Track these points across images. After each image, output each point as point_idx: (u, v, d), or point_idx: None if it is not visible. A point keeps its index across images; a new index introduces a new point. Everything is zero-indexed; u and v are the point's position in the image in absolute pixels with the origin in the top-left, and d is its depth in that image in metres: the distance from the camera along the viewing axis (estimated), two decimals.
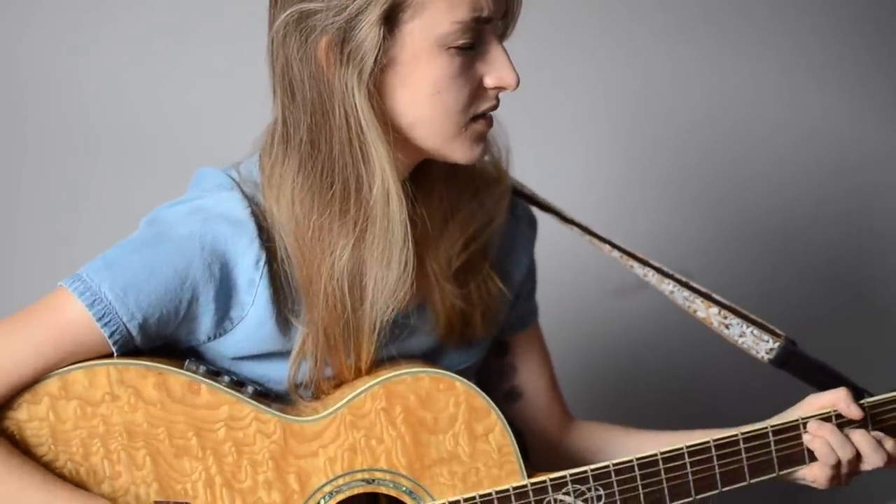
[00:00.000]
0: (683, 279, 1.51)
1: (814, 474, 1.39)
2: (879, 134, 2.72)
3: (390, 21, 1.22)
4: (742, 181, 2.61)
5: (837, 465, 1.37)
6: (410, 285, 1.30)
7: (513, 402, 1.58)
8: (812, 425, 1.38)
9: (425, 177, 1.39)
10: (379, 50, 1.21)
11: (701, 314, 1.50)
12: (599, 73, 2.46)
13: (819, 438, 1.37)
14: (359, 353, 1.34)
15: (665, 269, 1.52)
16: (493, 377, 1.58)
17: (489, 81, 1.29)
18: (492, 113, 1.33)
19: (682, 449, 1.36)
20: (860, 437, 1.38)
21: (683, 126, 2.55)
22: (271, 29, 1.28)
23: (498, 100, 1.31)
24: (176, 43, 2.10)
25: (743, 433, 1.37)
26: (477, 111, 1.29)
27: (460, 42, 1.24)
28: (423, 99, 1.26)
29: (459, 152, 1.31)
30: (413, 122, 1.27)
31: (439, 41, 1.23)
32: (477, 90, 1.28)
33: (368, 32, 1.21)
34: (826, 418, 1.39)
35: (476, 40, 1.26)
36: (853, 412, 1.38)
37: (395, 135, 1.28)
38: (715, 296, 1.50)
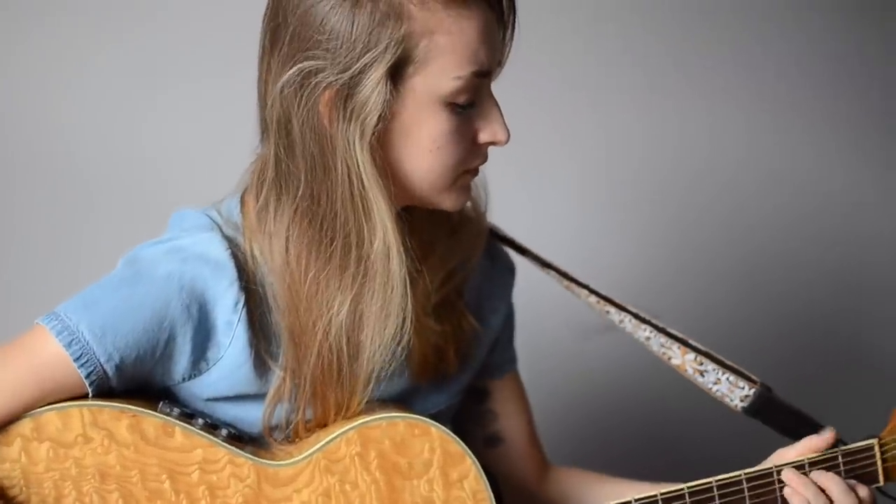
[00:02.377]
0: (660, 325, 1.51)
1: None
2: (855, 179, 2.75)
3: (395, 77, 1.21)
4: (719, 227, 2.62)
5: None
6: (409, 339, 1.30)
7: (493, 448, 1.58)
8: (787, 474, 1.39)
9: (408, 215, 1.40)
10: (384, 106, 1.21)
11: (676, 361, 1.50)
12: (578, 120, 2.48)
13: (797, 495, 1.38)
14: (348, 405, 1.34)
15: (641, 314, 1.52)
16: (473, 424, 1.58)
17: (483, 137, 1.29)
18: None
19: (655, 496, 1.36)
20: (831, 482, 1.39)
21: (661, 173, 2.56)
22: (265, 76, 1.28)
23: (487, 154, 1.33)
24: (157, 83, 2.11)
25: (717, 480, 1.38)
26: (469, 166, 1.30)
27: (462, 99, 1.24)
28: (423, 153, 1.26)
29: (448, 202, 1.32)
30: (409, 175, 1.27)
31: (442, 97, 1.23)
32: (471, 146, 1.29)
33: (374, 89, 1.20)
34: (799, 466, 1.39)
35: (475, 98, 1.27)
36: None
37: (391, 184, 1.28)
38: (691, 341, 1.51)
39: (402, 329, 1.29)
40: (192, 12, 2.12)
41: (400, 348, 1.30)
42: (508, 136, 1.29)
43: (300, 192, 1.27)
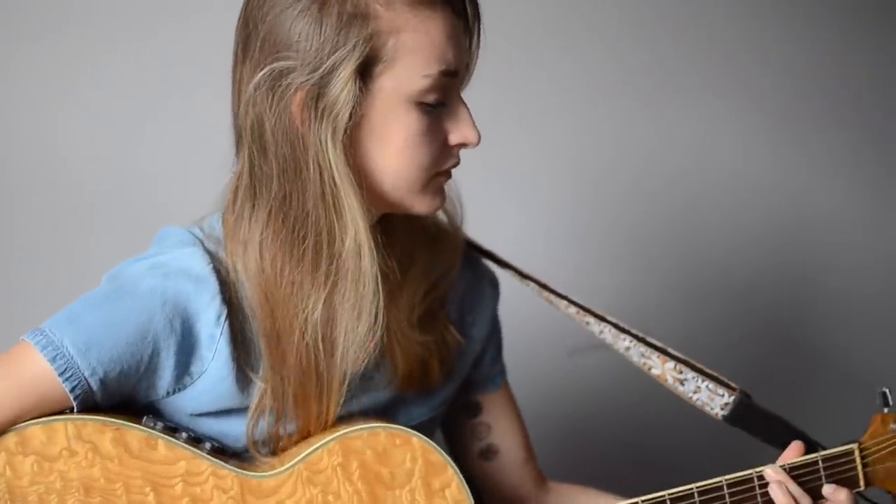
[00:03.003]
0: (640, 334, 1.52)
1: None
2: (835, 191, 2.76)
3: (364, 75, 1.24)
4: (698, 237, 2.63)
5: None
6: (381, 336, 1.32)
7: (489, 461, 1.59)
8: (769, 471, 1.40)
9: (387, 228, 1.41)
10: (354, 104, 1.23)
11: (656, 371, 1.51)
12: (559, 129, 2.49)
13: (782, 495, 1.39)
14: (328, 409, 1.35)
15: (621, 324, 1.53)
16: (467, 438, 1.60)
17: (453, 139, 1.31)
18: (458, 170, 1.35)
19: (637, 503, 1.37)
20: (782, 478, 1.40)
21: (640, 184, 2.57)
22: (238, 85, 1.30)
23: (459, 157, 1.35)
24: (143, 102, 2.12)
25: (698, 487, 1.39)
26: (441, 168, 1.32)
27: (431, 98, 1.27)
28: (394, 153, 1.28)
29: (421, 204, 1.33)
30: (382, 176, 1.29)
31: (411, 96, 1.26)
32: (442, 147, 1.31)
33: (344, 87, 1.22)
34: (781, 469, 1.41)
35: (445, 98, 1.29)
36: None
37: (364, 186, 1.30)
38: (671, 350, 1.52)
39: (374, 326, 1.30)
40: (189, 24, 2.14)
41: (373, 346, 1.31)
42: (479, 137, 1.32)
43: (273, 194, 1.29)
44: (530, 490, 1.62)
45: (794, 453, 1.42)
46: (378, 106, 1.26)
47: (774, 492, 1.39)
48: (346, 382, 1.34)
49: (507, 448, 1.60)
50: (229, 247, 1.33)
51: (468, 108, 1.32)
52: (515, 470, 1.61)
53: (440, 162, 1.32)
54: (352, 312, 1.29)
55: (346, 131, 1.24)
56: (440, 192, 1.35)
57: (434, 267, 1.45)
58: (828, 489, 1.40)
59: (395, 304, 1.41)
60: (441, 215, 1.48)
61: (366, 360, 1.33)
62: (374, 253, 1.28)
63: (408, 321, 1.41)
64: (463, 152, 1.37)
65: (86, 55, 2.11)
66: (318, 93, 1.23)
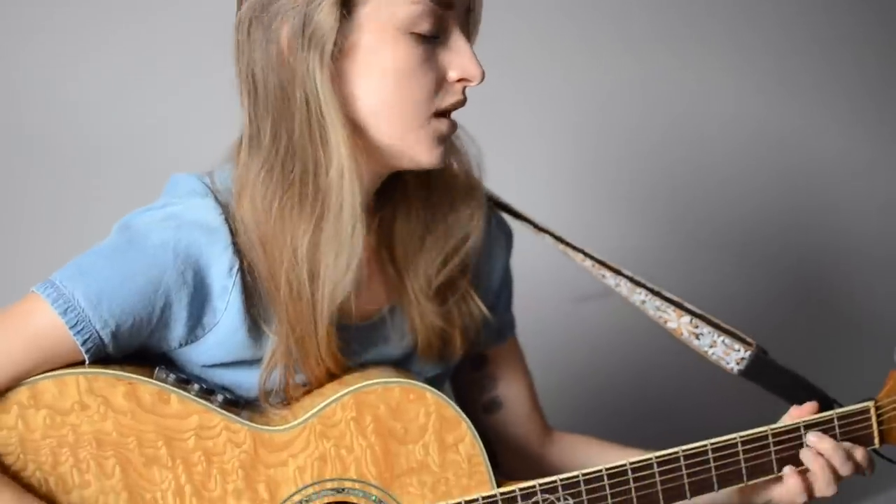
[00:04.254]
0: (655, 288, 1.51)
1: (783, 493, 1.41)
2: (839, 137, 2.74)
3: (348, 2, 1.23)
4: (713, 191, 2.63)
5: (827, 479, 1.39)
6: (362, 274, 1.31)
7: (493, 414, 1.59)
8: (812, 437, 1.39)
9: (401, 195, 1.39)
10: (337, 31, 1.22)
11: (672, 325, 1.50)
12: (572, 83, 2.47)
13: (818, 459, 1.39)
14: (322, 350, 1.33)
15: (637, 278, 1.52)
16: (473, 389, 1.59)
17: (453, 74, 1.29)
18: (462, 124, 1.33)
19: (650, 459, 1.36)
20: (829, 447, 1.39)
21: (652, 137, 2.56)
22: (235, 30, 1.30)
23: (465, 95, 1.31)
24: (153, 50, 2.09)
25: (712, 443, 1.38)
26: (442, 104, 1.30)
27: (422, 28, 1.25)
28: (385, 85, 1.26)
29: (419, 150, 1.30)
30: (374, 110, 1.27)
31: (400, 25, 1.24)
32: (441, 82, 1.29)
33: (328, 15, 1.22)
34: (794, 429, 1.40)
35: (439, 29, 1.27)
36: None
37: (356, 129, 1.28)
38: (686, 304, 1.50)
39: (353, 260, 1.28)
40: None
41: (350, 280, 1.29)
42: (482, 72, 1.29)
43: (266, 135, 1.28)
44: (535, 442, 1.62)
45: (806, 412, 1.41)
46: (366, 35, 1.24)
47: (806, 457, 1.39)
48: (331, 322, 1.32)
49: (511, 401, 1.60)
50: (237, 197, 1.32)
51: (469, 44, 1.30)
52: (519, 422, 1.60)
53: (437, 98, 1.29)
54: (332, 245, 1.28)
55: (332, 59, 1.23)
56: (441, 142, 1.31)
57: (452, 233, 1.44)
58: (812, 438, 1.40)
59: (413, 273, 1.40)
60: (461, 176, 1.45)
61: (343, 297, 1.31)
62: (356, 186, 1.26)
63: (424, 293, 1.40)
64: (468, 109, 1.34)
65: (96, 3, 2.07)
66: (303, 21, 1.23)
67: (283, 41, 1.24)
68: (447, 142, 1.33)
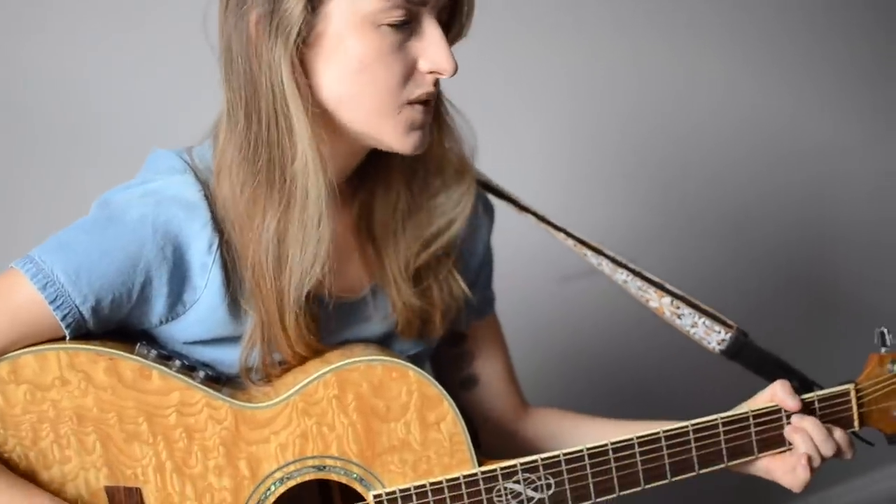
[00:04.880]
0: (637, 269, 1.52)
1: (768, 466, 1.41)
2: (829, 123, 2.75)
3: None
4: (703, 176, 2.63)
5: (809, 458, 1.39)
6: (329, 265, 1.30)
7: (469, 390, 1.59)
8: (794, 417, 1.40)
9: (383, 175, 1.39)
10: (303, 21, 1.22)
11: (653, 304, 1.50)
12: (561, 63, 2.47)
13: (800, 431, 1.39)
14: (289, 333, 1.33)
15: (619, 258, 1.52)
16: (450, 365, 1.59)
17: (423, 66, 1.28)
18: (457, 106, 1.32)
19: (632, 440, 1.37)
20: (811, 426, 1.39)
21: (644, 121, 2.56)
22: (220, 12, 1.29)
23: (436, 87, 1.31)
24: (135, 26, 2.08)
25: (693, 424, 1.38)
26: (411, 96, 1.28)
27: (391, 20, 1.24)
28: (350, 75, 1.25)
29: (391, 137, 1.30)
30: (340, 101, 1.27)
31: (368, 17, 1.23)
32: (410, 72, 1.27)
33: (296, 4, 1.21)
34: (776, 410, 1.40)
35: (411, 18, 1.26)
36: (789, 404, 1.39)
37: (324, 114, 1.28)
38: (668, 286, 1.51)
39: (320, 250, 1.28)
40: None
41: (318, 268, 1.29)
42: (454, 65, 1.28)
43: (240, 116, 1.27)
44: (511, 418, 1.62)
45: (776, 392, 1.41)
46: (332, 26, 1.24)
47: (793, 436, 1.39)
48: (299, 309, 1.31)
49: (488, 377, 1.60)
50: (217, 175, 1.31)
51: (444, 37, 1.28)
52: (496, 399, 1.60)
53: (406, 89, 1.28)
54: (297, 235, 1.28)
55: (296, 48, 1.23)
56: (414, 129, 1.30)
57: (436, 218, 1.43)
58: (795, 417, 1.40)
59: (393, 253, 1.39)
60: (453, 158, 1.44)
61: (310, 286, 1.30)
62: (321, 176, 1.26)
63: (401, 274, 1.40)
64: (461, 85, 1.33)
65: None
66: (271, 9, 1.22)
67: (251, 27, 1.24)
68: (424, 129, 1.32)
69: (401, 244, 1.40)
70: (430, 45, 1.27)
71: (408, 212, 1.41)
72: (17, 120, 2.02)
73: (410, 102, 1.28)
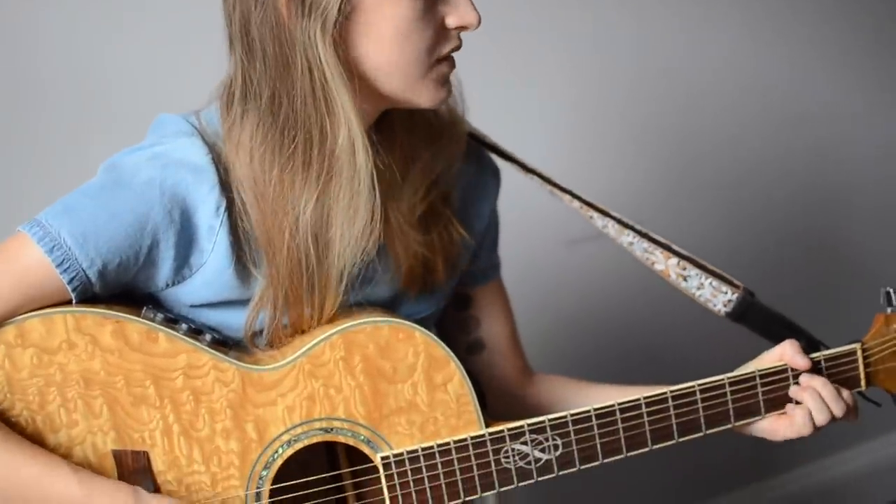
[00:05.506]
0: (643, 230, 1.51)
1: (772, 426, 1.41)
2: (834, 86, 2.75)
3: None
4: (701, 136, 2.63)
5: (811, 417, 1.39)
6: (378, 235, 1.30)
7: (475, 355, 1.59)
8: (803, 377, 1.40)
9: (386, 126, 1.39)
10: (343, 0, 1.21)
11: (659, 266, 1.50)
12: (565, 27, 2.46)
13: (808, 389, 1.39)
14: (322, 306, 1.34)
15: (625, 219, 1.52)
16: (455, 329, 1.59)
17: (451, 21, 1.29)
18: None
19: (639, 400, 1.37)
20: (820, 386, 1.40)
21: (644, 82, 2.55)
22: None
23: (460, 39, 1.32)
24: None
25: (700, 385, 1.39)
26: (441, 53, 1.30)
27: None
28: (388, 43, 1.25)
29: (425, 95, 1.31)
30: (378, 68, 1.27)
31: None
32: (440, 32, 1.29)
33: None
34: (783, 370, 1.40)
35: None
36: (798, 362, 1.40)
37: (360, 83, 1.28)
38: (674, 247, 1.51)
39: (371, 224, 1.29)
40: None
41: (371, 244, 1.30)
42: (478, 18, 1.29)
43: (262, 96, 1.27)
44: (516, 383, 1.62)
45: (784, 351, 1.42)
46: None
47: (801, 394, 1.40)
48: (344, 283, 1.32)
49: (494, 342, 1.60)
50: (227, 147, 1.31)
51: None
52: (501, 363, 1.61)
53: (437, 47, 1.29)
54: (347, 211, 1.28)
55: (336, 26, 1.22)
56: (444, 83, 1.32)
57: (436, 162, 1.43)
58: (804, 376, 1.41)
59: (396, 204, 1.39)
60: (443, 107, 1.45)
61: (364, 260, 1.32)
62: (369, 149, 1.26)
63: (408, 221, 1.40)
64: (469, 45, 1.34)
65: None
66: None
67: (281, 6, 1.23)
68: (449, 80, 1.34)
69: (405, 192, 1.40)
70: (456, 3, 1.28)
71: (409, 159, 1.41)
72: (23, 85, 2.02)
73: (440, 59, 1.30)
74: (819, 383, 1.39)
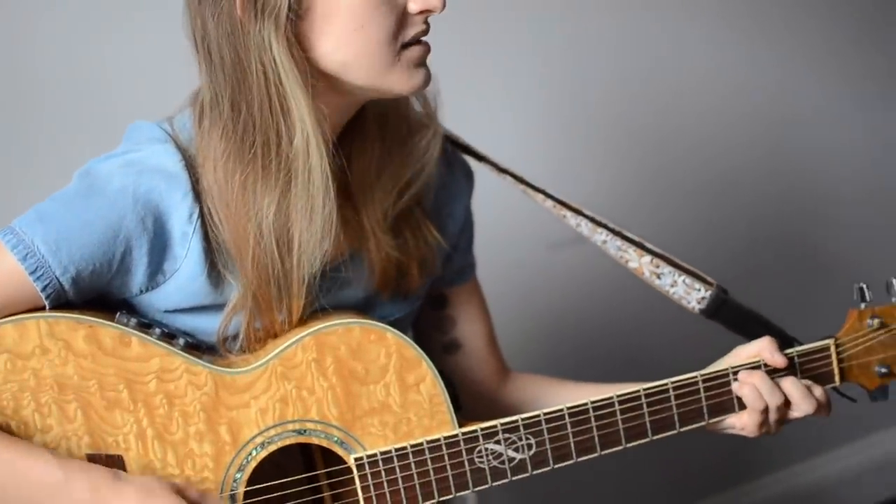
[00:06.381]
0: (616, 228, 1.52)
1: (743, 422, 1.41)
2: (811, 87, 2.75)
3: None
4: (676, 134, 2.63)
5: (765, 411, 1.39)
6: (337, 235, 1.31)
7: (452, 355, 1.59)
8: (742, 373, 1.40)
9: (358, 128, 1.39)
10: None
11: (633, 264, 1.51)
12: (542, 27, 2.45)
13: (747, 385, 1.39)
14: (291, 309, 1.34)
15: (598, 218, 1.52)
16: (432, 330, 1.59)
17: (413, 6, 1.28)
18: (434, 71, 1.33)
19: (612, 398, 1.37)
20: (790, 385, 1.40)
21: (623, 83, 2.55)
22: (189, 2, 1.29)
23: (427, 24, 1.31)
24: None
25: (673, 382, 1.39)
26: (406, 38, 1.29)
27: None
28: (349, 36, 1.25)
29: (398, 83, 1.30)
30: (344, 63, 1.27)
31: None
32: (402, 18, 1.28)
33: None
34: (755, 367, 1.41)
35: None
36: (777, 360, 1.40)
37: (327, 82, 1.28)
38: (647, 244, 1.51)
39: (329, 224, 1.29)
40: None
41: (330, 245, 1.30)
42: (442, 0, 1.28)
43: (225, 104, 1.27)
44: (493, 382, 1.62)
45: (763, 348, 1.42)
46: None
47: (744, 392, 1.40)
48: (306, 284, 1.33)
49: (469, 342, 1.60)
50: (202, 162, 1.32)
51: None
52: (478, 363, 1.61)
53: (401, 32, 1.28)
54: (304, 212, 1.28)
55: (289, 24, 1.22)
56: (419, 68, 1.31)
57: (407, 165, 1.43)
58: (804, 384, 1.41)
59: (368, 207, 1.39)
60: (416, 106, 1.45)
61: (329, 261, 1.32)
62: (323, 150, 1.27)
63: (380, 224, 1.40)
64: (441, 45, 1.34)
65: None
66: None
67: (235, 13, 1.23)
68: (425, 63, 1.32)
69: (377, 194, 1.40)
70: None
71: (383, 161, 1.41)
72: (19, 87, 2.03)
73: (406, 45, 1.29)
74: (758, 378, 1.39)
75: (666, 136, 2.60)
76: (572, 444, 1.37)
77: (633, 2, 2.53)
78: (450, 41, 1.44)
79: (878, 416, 1.57)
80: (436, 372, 1.34)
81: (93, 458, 1.30)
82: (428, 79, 1.33)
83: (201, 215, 1.30)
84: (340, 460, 1.37)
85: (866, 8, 2.81)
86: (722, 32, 2.63)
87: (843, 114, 2.81)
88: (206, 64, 1.28)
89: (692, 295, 1.48)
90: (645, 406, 1.38)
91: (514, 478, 1.37)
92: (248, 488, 1.34)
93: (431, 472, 1.35)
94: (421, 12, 1.28)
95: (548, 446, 1.37)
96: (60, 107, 2.06)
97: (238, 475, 1.33)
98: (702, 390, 1.40)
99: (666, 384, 1.39)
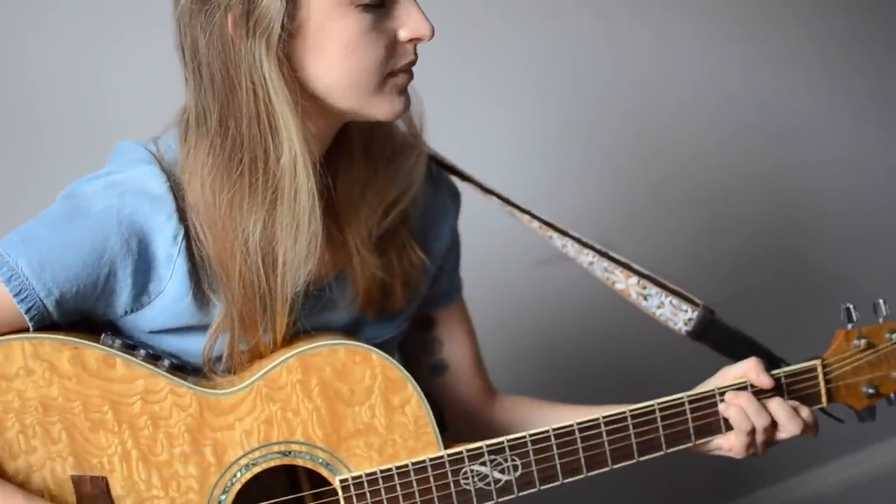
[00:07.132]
0: (603, 249, 1.52)
1: (730, 443, 1.41)
2: (803, 99, 2.75)
3: None
4: (666, 150, 2.62)
5: (752, 432, 1.39)
6: (321, 255, 1.31)
7: (438, 377, 1.59)
8: (728, 394, 1.39)
9: (345, 144, 1.39)
10: (284, 15, 1.21)
11: (620, 286, 1.50)
12: (532, 40, 2.46)
13: (734, 406, 1.39)
14: (274, 328, 1.34)
15: (584, 239, 1.52)
16: (418, 351, 1.59)
17: (403, 35, 1.28)
18: (420, 86, 1.32)
19: (598, 419, 1.37)
20: (777, 406, 1.40)
21: (612, 99, 2.55)
22: (176, 11, 1.28)
23: (416, 53, 1.31)
24: (99, 17, 2.08)
25: (660, 403, 1.39)
26: (395, 66, 1.29)
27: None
28: (338, 61, 1.26)
29: (381, 108, 1.30)
30: (331, 85, 1.27)
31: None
32: (392, 45, 1.28)
33: (272, 0, 1.21)
34: (741, 388, 1.40)
35: None
36: (763, 381, 1.39)
37: (313, 102, 1.28)
38: (634, 265, 1.51)
39: (313, 244, 1.29)
40: None
41: (313, 264, 1.30)
42: (432, 29, 1.28)
43: (213, 120, 1.27)
44: (479, 404, 1.62)
45: (749, 369, 1.41)
46: (314, 14, 1.23)
47: (730, 413, 1.39)
48: (290, 304, 1.32)
49: (457, 364, 1.60)
50: (183, 174, 1.32)
51: (417, 3, 1.29)
52: (465, 385, 1.61)
53: (390, 61, 1.29)
54: (290, 231, 1.28)
55: (280, 44, 1.22)
56: (401, 95, 1.31)
57: (392, 185, 1.43)
58: (791, 405, 1.40)
59: (355, 226, 1.39)
60: (401, 126, 1.45)
61: (309, 282, 1.32)
62: (310, 169, 1.26)
63: (364, 244, 1.40)
64: (427, 66, 1.34)
65: None
66: (247, 8, 1.21)
67: (227, 30, 1.23)
68: (406, 91, 1.33)
69: (362, 214, 1.40)
70: (407, 14, 1.28)
71: (368, 180, 1.41)
72: (16, 93, 2.03)
73: (394, 72, 1.29)
74: (744, 399, 1.39)
75: (653, 152, 2.60)
76: (558, 466, 1.37)
77: (623, 12, 2.53)
78: (439, 54, 1.44)
79: (871, 430, 1.56)
80: (421, 393, 1.34)
81: (77, 480, 1.30)
82: (408, 105, 1.33)
83: (186, 235, 1.30)
84: (326, 482, 1.36)
85: (856, 18, 2.81)
86: (714, 42, 2.63)
87: (833, 124, 2.81)
88: (196, 80, 1.28)
89: (679, 316, 1.48)
90: (631, 427, 1.38)
91: (499, 499, 1.37)
92: None
93: (417, 494, 1.35)
94: (411, 40, 1.29)
95: (534, 468, 1.36)
96: (53, 121, 2.06)
97: (223, 497, 1.33)
98: (688, 411, 1.39)
99: (652, 405, 1.38)
